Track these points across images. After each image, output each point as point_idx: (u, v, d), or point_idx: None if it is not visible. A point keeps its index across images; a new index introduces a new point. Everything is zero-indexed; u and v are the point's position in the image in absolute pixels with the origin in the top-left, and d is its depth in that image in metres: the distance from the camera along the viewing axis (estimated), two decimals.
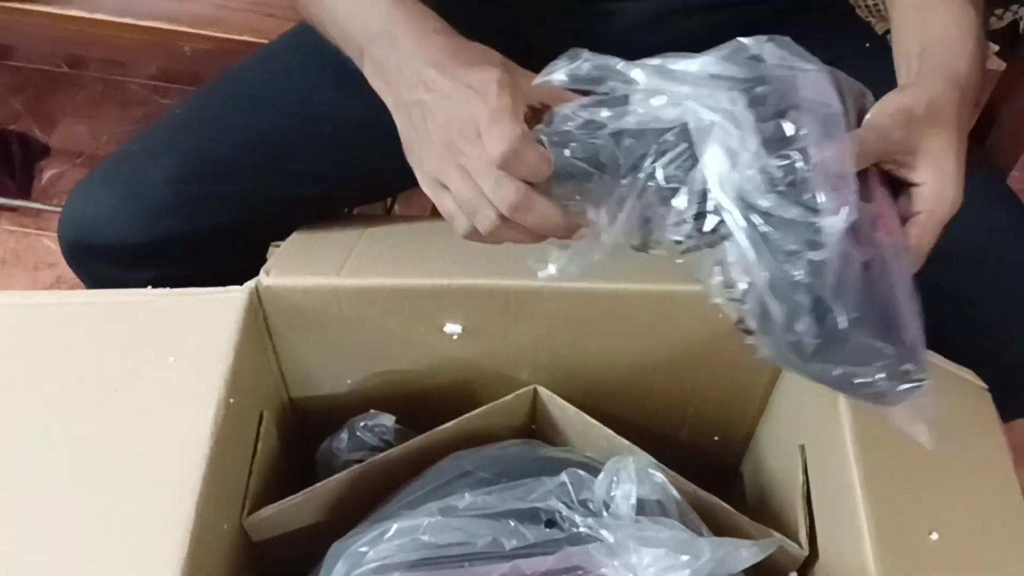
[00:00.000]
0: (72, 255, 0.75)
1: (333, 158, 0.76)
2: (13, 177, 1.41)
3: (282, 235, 0.74)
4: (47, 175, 1.48)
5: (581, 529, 0.55)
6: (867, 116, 0.52)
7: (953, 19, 0.60)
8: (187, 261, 0.72)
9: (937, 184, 0.52)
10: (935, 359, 0.70)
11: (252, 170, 0.73)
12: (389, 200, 1.16)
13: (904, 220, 0.52)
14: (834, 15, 0.85)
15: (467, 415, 0.70)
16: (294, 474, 0.75)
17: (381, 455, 0.67)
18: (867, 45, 0.83)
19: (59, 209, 1.39)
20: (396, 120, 0.57)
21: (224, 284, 0.65)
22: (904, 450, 0.60)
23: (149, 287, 0.65)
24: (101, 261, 0.73)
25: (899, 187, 0.53)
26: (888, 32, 1.12)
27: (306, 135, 0.75)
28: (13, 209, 1.40)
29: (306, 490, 0.64)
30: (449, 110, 0.53)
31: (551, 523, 0.56)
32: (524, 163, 0.50)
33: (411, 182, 0.84)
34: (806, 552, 0.64)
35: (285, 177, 0.74)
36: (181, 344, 0.61)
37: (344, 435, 0.71)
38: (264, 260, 0.72)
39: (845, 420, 0.60)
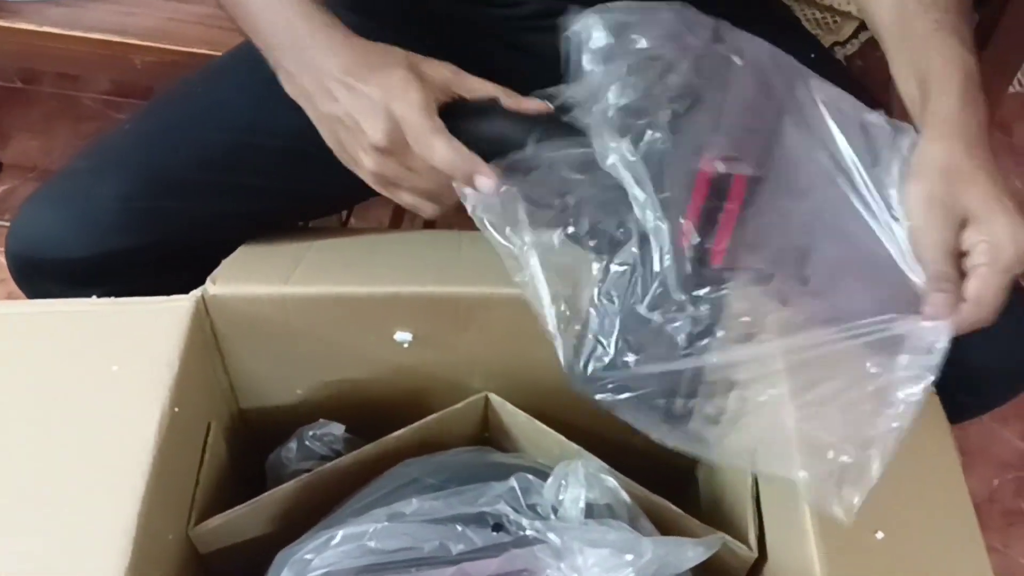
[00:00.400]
0: (20, 273, 0.74)
1: (285, 172, 0.75)
2: None
3: (232, 251, 0.74)
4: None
5: (528, 532, 0.55)
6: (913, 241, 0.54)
7: (940, 54, 0.60)
8: (136, 279, 0.70)
9: (990, 237, 0.53)
10: None
11: (202, 186, 0.73)
12: (345, 213, 1.16)
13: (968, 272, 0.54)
14: (779, 26, 0.86)
15: (418, 423, 0.70)
16: (244, 485, 0.74)
17: (330, 464, 0.67)
18: (812, 56, 0.84)
19: (8, 224, 1.37)
20: (320, 132, 0.61)
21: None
22: None
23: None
24: (49, 279, 0.72)
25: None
26: (835, 44, 1.14)
27: (256, 149, 0.74)
28: None
29: (253, 500, 0.64)
30: (370, 119, 0.57)
31: (498, 527, 0.56)
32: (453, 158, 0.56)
33: (366, 194, 0.85)
34: (755, 554, 0.64)
35: (236, 192, 0.74)
36: (125, 353, 0.60)
37: (293, 444, 0.70)
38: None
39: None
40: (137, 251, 0.71)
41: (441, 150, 0.57)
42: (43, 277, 0.72)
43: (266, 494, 0.64)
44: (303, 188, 0.77)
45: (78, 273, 0.71)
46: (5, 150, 1.52)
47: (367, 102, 0.57)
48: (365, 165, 0.59)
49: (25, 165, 1.51)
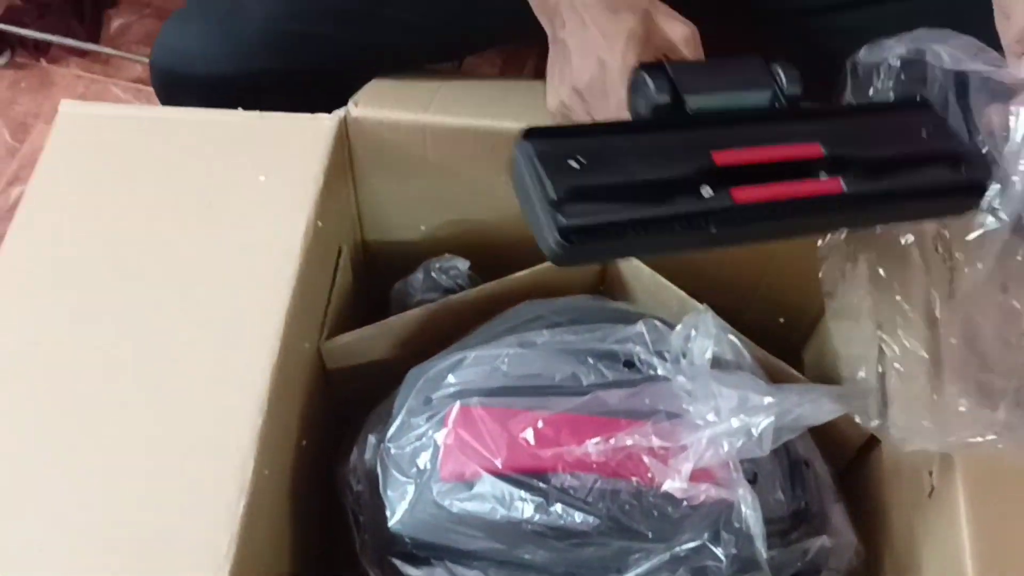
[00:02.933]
0: (162, 84, 0.75)
1: (425, 6, 0.75)
2: (82, 23, 1.41)
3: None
4: (115, 23, 1.47)
5: (660, 372, 0.56)
6: None
7: None
8: (274, 101, 0.71)
9: None
10: None
11: (346, 13, 0.72)
12: (458, 63, 1.14)
13: None
14: None
15: (540, 266, 0.70)
16: (364, 317, 0.75)
17: (455, 296, 0.67)
18: None
19: (130, 56, 1.39)
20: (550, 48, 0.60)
21: None
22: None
23: None
24: (190, 93, 0.72)
25: None
26: None
27: None
28: (82, 54, 1.40)
29: (381, 322, 0.65)
30: (582, 58, 0.56)
31: (630, 364, 0.57)
32: None
33: (496, 40, 0.84)
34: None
35: (378, 24, 0.73)
36: (271, 164, 0.61)
37: (420, 275, 0.71)
38: None
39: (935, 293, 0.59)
40: (279, 73, 0.71)
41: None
42: (186, 92, 0.73)
43: (394, 317, 0.65)
44: (440, 25, 0.76)
45: (220, 90, 0.71)
46: None
47: (586, 42, 0.56)
48: (558, 95, 0.59)
49: (141, 1, 1.51)
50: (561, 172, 0.46)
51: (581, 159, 0.46)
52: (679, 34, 0.57)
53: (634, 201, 0.46)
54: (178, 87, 0.73)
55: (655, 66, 0.52)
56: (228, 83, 0.71)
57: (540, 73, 0.62)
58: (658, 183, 0.46)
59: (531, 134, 0.47)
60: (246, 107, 0.72)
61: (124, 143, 0.63)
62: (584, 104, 0.57)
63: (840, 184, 0.47)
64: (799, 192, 0.47)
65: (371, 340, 0.65)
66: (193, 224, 0.58)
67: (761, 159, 0.47)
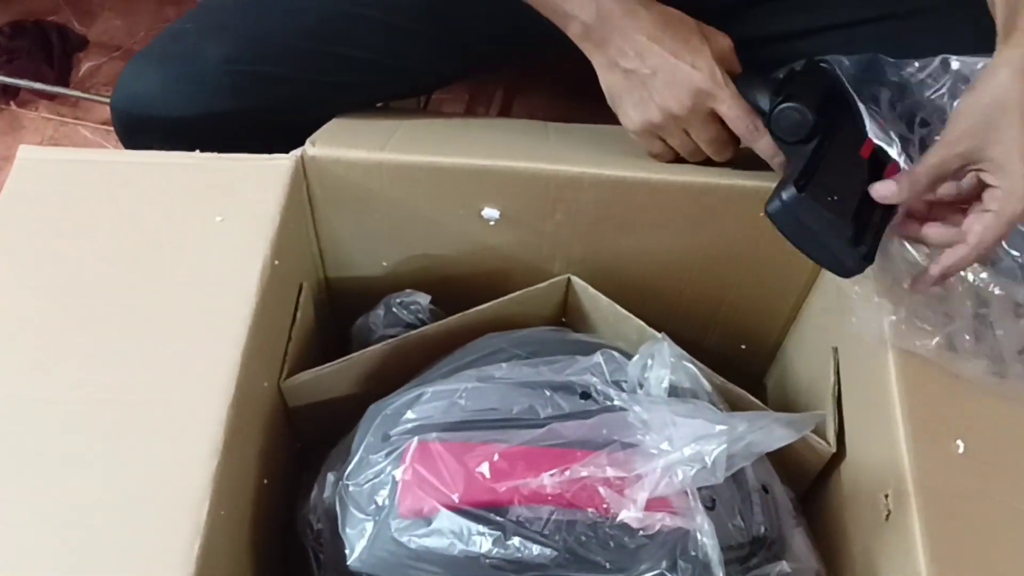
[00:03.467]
0: (123, 128, 0.75)
1: (382, 46, 0.76)
2: (51, 66, 1.41)
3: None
4: (84, 67, 1.48)
5: (616, 402, 0.56)
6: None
7: None
8: (234, 143, 0.72)
9: (1007, 186, 0.54)
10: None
11: (303, 54, 0.73)
12: (423, 101, 1.16)
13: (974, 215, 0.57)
14: None
15: (503, 299, 0.71)
16: (326, 353, 0.76)
17: (417, 331, 0.68)
18: None
19: (98, 98, 1.40)
20: (604, 78, 0.67)
21: None
22: None
23: None
24: (151, 135, 0.73)
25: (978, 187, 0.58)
26: None
27: (355, 19, 0.74)
28: (51, 97, 1.40)
29: (343, 359, 0.65)
30: (671, 87, 0.64)
31: (586, 395, 0.57)
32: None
33: (456, 75, 0.84)
34: (834, 449, 0.64)
35: (335, 61, 0.74)
36: (228, 205, 0.61)
37: (380, 311, 0.71)
38: None
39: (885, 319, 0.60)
40: (237, 114, 0.72)
41: (736, 109, 0.64)
42: (145, 133, 0.74)
43: (355, 354, 0.66)
44: (398, 63, 0.77)
45: (179, 131, 0.72)
46: (90, 28, 1.54)
47: (671, 66, 0.63)
48: (646, 115, 0.66)
49: (110, 44, 1.52)
50: (837, 211, 0.58)
51: (833, 195, 0.58)
52: (727, 44, 0.66)
53: (867, 213, 0.59)
54: (139, 129, 0.74)
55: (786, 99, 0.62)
56: (188, 125, 0.72)
57: (506, 108, 0.64)
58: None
59: (802, 186, 0.58)
60: (207, 148, 0.73)
61: (82, 187, 0.63)
62: (678, 122, 0.65)
63: None
64: None
65: (332, 377, 0.65)
66: (149, 267, 0.59)
67: None
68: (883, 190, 0.59)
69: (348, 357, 0.65)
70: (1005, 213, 0.55)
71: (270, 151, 0.67)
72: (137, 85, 0.73)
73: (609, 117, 0.69)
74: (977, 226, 0.56)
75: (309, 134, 0.72)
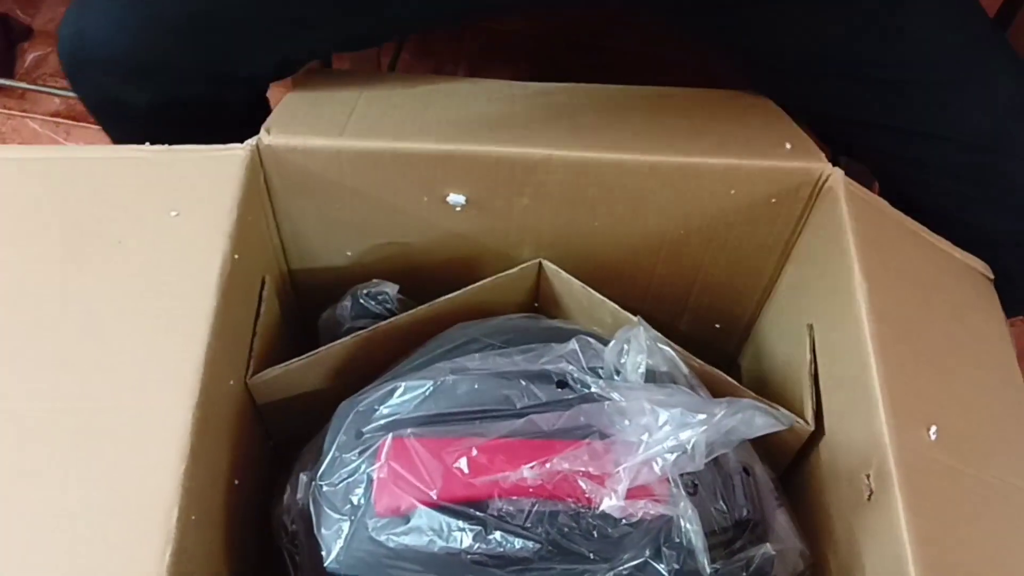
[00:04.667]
0: (71, 66, 0.71)
1: None
2: None
3: (283, 75, 0.71)
4: (30, 57, 1.43)
5: (593, 390, 0.55)
6: None
7: None
8: (188, 85, 0.68)
9: None
10: (943, 244, 0.69)
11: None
12: (391, 59, 1.12)
13: None
14: None
15: (473, 286, 0.69)
16: (294, 347, 0.74)
17: (386, 322, 0.66)
18: None
19: (45, 90, 1.35)
20: None
21: (222, 119, 0.62)
22: (918, 330, 0.60)
23: (147, 109, 0.62)
24: (101, 73, 0.69)
25: None
26: None
27: None
28: None
29: (310, 353, 0.63)
30: None
31: (562, 384, 0.56)
32: None
33: (422, 22, 0.78)
34: (812, 428, 0.64)
35: (297, 7, 0.71)
36: (183, 199, 0.59)
37: (347, 302, 0.70)
38: (265, 100, 0.68)
39: (860, 295, 0.59)
40: (194, 56, 0.68)
41: None
42: (96, 71, 0.69)
43: (323, 348, 0.64)
44: (355, 10, 0.74)
45: (133, 71, 0.68)
46: (35, 17, 1.49)
47: None
48: None
49: (56, 32, 1.47)
50: None
51: None
52: None
53: None
54: (88, 68, 0.70)
55: None
56: (142, 65, 0.68)
57: (474, 70, 0.61)
58: None
59: None
60: (159, 91, 0.69)
61: (28, 186, 0.60)
62: None
63: None
64: None
65: (301, 372, 0.63)
66: (104, 266, 0.56)
67: None
68: None
69: (316, 351, 0.63)
70: None
71: (228, 99, 0.63)
72: (84, 16, 0.68)
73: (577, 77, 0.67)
74: None
75: (266, 83, 0.68)
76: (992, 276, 0.71)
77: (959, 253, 0.70)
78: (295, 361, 0.62)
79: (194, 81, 0.70)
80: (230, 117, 0.63)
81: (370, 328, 0.65)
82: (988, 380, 0.63)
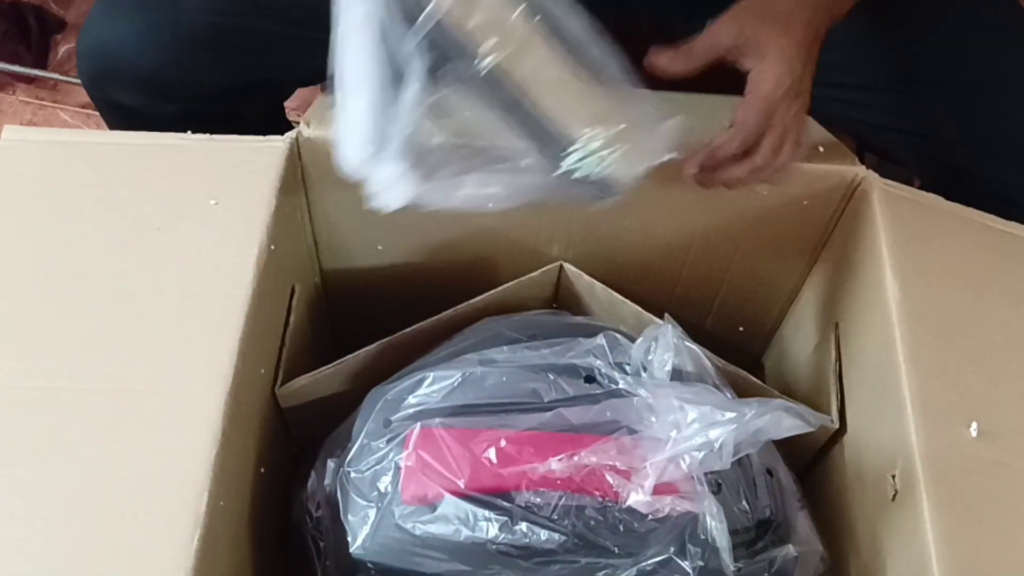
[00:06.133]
0: (91, 78, 0.71)
1: None
2: (29, 49, 1.38)
3: (314, 82, 0.72)
4: (62, 49, 1.45)
5: (621, 386, 0.55)
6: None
7: None
8: (212, 101, 0.69)
9: (757, 70, 0.57)
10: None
11: (287, 9, 0.70)
12: None
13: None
14: None
15: (495, 290, 0.70)
16: (322, 345, 0.75)
17: (409, 328, 0.66)
18: None
19: (77, 81, 1.37)
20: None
21: (246, 128, 0.63)
22: (953, 325, 0.59)
23: (170, 123, 0.63)
24: (122, 89, 0.69)
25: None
26: None
27: None
28: (29, 80, 1.37)
29: (338, 361, 0.64)
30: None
31: (590, 379, 0.56)
32: None
33: None
34: (836, 425, 0.64)
35: (321, 18, 0.71)
36: (222, 189, 0.60)
37: None
38: (282, 109, 0.68)
39: (891, 294, 0.60)
40: (218, 70, 0.69)
41: None
42: (116, 86, 0.70)
43: (349, 356, 0.64)
44: None
45: (156, 86, 0.69)
46: (69, 9, 1.51)
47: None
48: None
49: None
50: None
51: None
52: None
53: None
54: (108, 80, 0.70)
55: None
56: (164, 78, 0.68)
57: None
58: None
59: None
60: (183, 106, 0.70)
61: (70, 169, 0.61)
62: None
63: None
64: None
65: (327, 379, 0.64)
66: (143, 252, 0.57)
67: None
68: (661, 60, 0.58)
69: (343, 360, 0.64)
70: (759, 92, 0.57)
71: (255, 108, 0.64)
72: (107, 32, 0.68)
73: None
74: (739, 111, 0.57)
75: (297, 85, 0.69)
76: None
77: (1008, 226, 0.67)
78: (323, 370, 0.63)
79: (221, 95, 0.70)
80: (247, 128, 0.64)
81: (397, 334, 0.66)
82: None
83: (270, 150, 0.62)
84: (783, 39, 0.57)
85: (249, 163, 0.62)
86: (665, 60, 0.58)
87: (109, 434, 0.51)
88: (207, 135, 0.63)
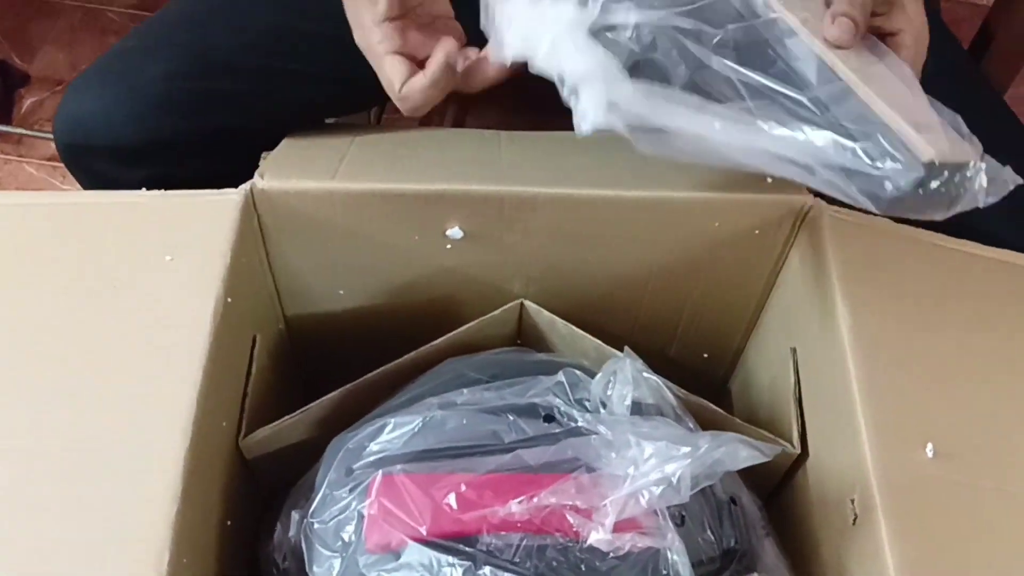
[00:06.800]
0: (68, 154, 0.73)
1: (328, 58, 0.75)
2: None
3: (276, 142, 0.73)
4: (27, 103, 1.46)
5: (580, 424, 0.56)
6: None
7: None
8: (182, 163, 0.71)
9: (913, 31, 0.55)
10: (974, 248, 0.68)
11: (249, 68, 0.72)
12: (376, 113, 1.15)
13: None
14: None
15: (457, 331, 0.70)
16: (287, 396, 0.75)
17: (373, 373, 0.67)
18: None
19: (41, 135, 1.37)
20: None
21: (219, 188, 0.64)
22: (905, 347, 0.60)
23: (143, 188, 0.64)
24: (96, 158, 0.71)
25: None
26: None
27: (301, 33, 0.73)
28: None
29: (301, 410, 0.64)
30: None
31: (549, 418, 0.57)
32: None
33: None
34: (798, 451, 0.65)
35: (282, 77, 0.73)
36: (178, 244, 0.60)
37: None
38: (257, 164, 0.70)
39: (842, 319, 0.61)
40: (183, 133, 0.71)
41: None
42: (90, 156, 0.72)
43: (314, 404, 0.64)
44: (349, 77, 0.76)
45: (125, 153, 0.71)
46: (32, 63, 1.52)
47: None
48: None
49: (52, 78, 1.50)
50: None
51: None
52: None
53: None
54: (84, 154, 0.72)
55: None
56: (134, 147, 0.70)
57: (459, 121, 0.63)
58: None
59: None
60: (154, 170, 0.71)
61: (26, 230, 0.62)
62: None
63: None
64: None
65: (291, 428, 0.64)
66: (100, 309, 0.57)
67: None
68: (841, 31, 0.53)
69: (306, 408, 0.64)
70: (919, 59, 0.56)
71: (226, 168, 0.65)
72: (78, 108, 0.71)
73: (565, 128, 0.69)
74: (903, 52, 0.55)
75: (259, 152, 0.71)
76: None
77: (996, 253, 0.68)
78: (286, 419, 0.63)
79: (193, 156, 0.72)
80: (225, 184, 0.66)
81: (360, 380, 0.66)
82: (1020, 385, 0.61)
83: (224, 203, 0.63)
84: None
85: (204, 217, 0.62)
86: (844, 30, 0.53)
87: (66, 492, 0.50)
88: (161, 191, 0.63)
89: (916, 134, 0.49)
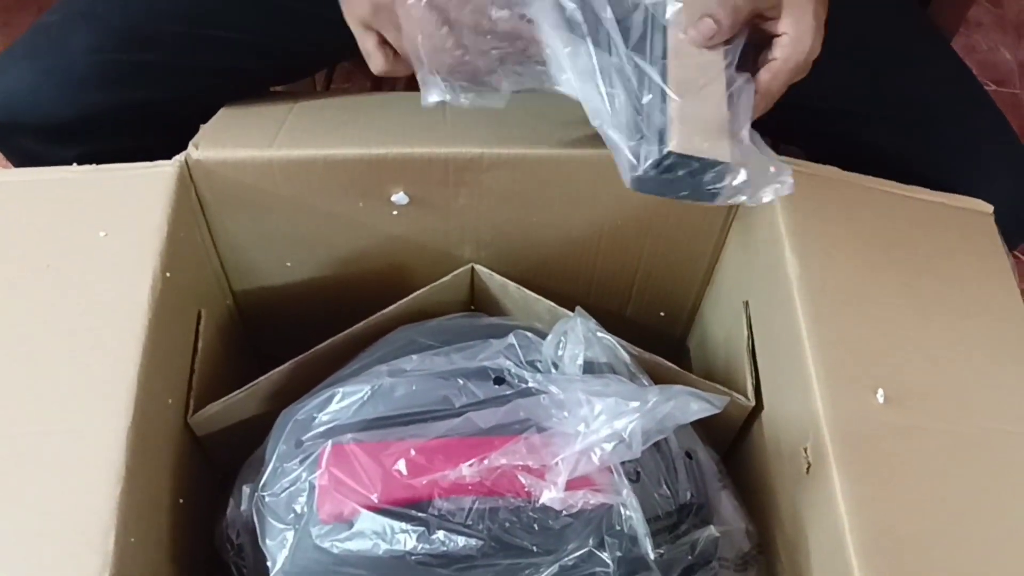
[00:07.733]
0: None
1: (260, 26, 0.72)
2: None
3: (211, 113, 0.71)
4: None
5: (530, 385, 0.55)
6: None
7: None
8: (113, 137, 0.68)
9: (795, 34, 0.55)
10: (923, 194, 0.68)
11: (174, 38, 0.70)
12: (326, 76, 1.12)
13: (761, 66, 0.56)
14: None
15: (408, 298, 0.69)
16: (240, 370, 0.74)
17: (325, 343, 0.66)
18: None
19: None
20: None
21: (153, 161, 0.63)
22: (854, 295, 0.60)
23: (74, 164, 0.62)
24: (26, 137, 0.69)
25: (766, 39, 0.57)
26: None
27: (227, 1, 0.71)
28: None
29: (250, 384, 0.63)
30: None
31: (500, 380, 0.56)
32: None
33: (344, 53, 0.80)
34: (752, 403, 0.65)
35: (209, 45, 0.71)
36: (112, 219, 0.59)
37: None
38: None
39: (791, 270, 0.60)
40: (112, 107, 0.69)
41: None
42: (19, 135, 0.70)
43: (263, 378, 0.63)
44: (279, 43, 0.74)
45: (54, 130, 0.69)
46: None
47: None
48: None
49: None
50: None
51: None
52: None
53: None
54: (12, 132, 0.70)
55: None
56: (63, 123, 0.68)
57: (412, 84, 0.61)
58: None
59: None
60: (85, 147, 0.69)
61: None
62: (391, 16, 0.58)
63: None
64: None
65: (241, 403, 0.63)
66: (34, 290, 0.56)
67: None
68: (706, 30, 0.54)
69: (255, 382, 0.63)
70: (792, 60, 0.55)
71: (165, 140, 0.63)
72: (3, 86, 0.68)
73: None
74: (764, 75, 0.56)
75: (197, 125, 0.69)
76: (991, 211, 0.68)
77: (944, 197, 0.68)
78: (235, 395, 0.62)
79: (125, 133, 0.70)
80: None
81: (309, 351, 0.65)
82: (972, 326, 0.62)
83: (158, 175, 0.61)
84: (813, 6, 0.55)
85: (138, 191, 0.60)
86: (709, 29, 0.54)
87: (9, 477, 0.49)
88: (92, 166, 0.61)
89: (680, 125, 0.52)
